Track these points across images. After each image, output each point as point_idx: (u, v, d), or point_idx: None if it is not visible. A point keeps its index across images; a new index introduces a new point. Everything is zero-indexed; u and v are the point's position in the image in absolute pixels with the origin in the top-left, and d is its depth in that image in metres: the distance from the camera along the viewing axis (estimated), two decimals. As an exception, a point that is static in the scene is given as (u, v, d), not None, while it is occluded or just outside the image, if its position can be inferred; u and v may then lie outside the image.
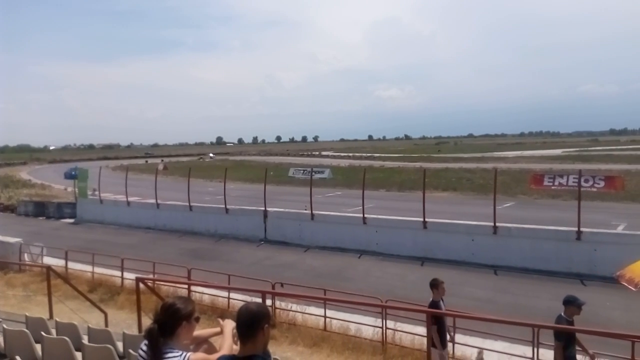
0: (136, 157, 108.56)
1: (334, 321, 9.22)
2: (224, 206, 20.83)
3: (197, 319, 2.70)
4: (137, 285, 7.50)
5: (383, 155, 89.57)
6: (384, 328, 8.30)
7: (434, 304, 6.31)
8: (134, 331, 6.72)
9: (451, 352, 7.74)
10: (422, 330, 6.92)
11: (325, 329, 9.06)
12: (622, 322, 9.59)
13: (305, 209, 18.86)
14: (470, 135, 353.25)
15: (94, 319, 8.63)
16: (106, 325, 8.32)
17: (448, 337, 6.77)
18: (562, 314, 5.51)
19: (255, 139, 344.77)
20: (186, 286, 10.97)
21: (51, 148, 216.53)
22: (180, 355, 2.51)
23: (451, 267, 14.15)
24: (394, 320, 8.50)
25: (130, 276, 11.97)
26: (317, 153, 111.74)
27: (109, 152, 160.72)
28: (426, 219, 15.80)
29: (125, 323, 8.86)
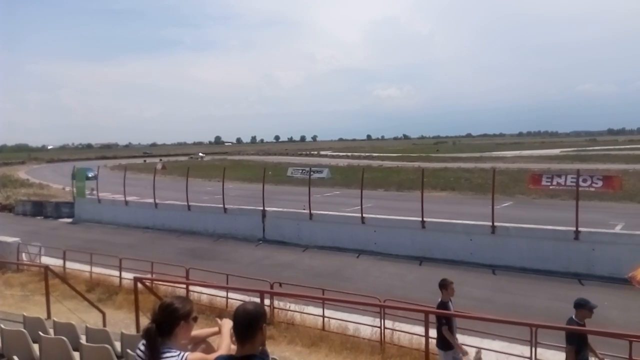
0: (134, 157, 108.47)
1: (333, 321, 9.22)
2: (222, 206, 20.80)
3: (195, 319, 2.69)
4: (135, 285, 7.50)
5: (381, 154, 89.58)
6: (383, 328, 8.30)
7: (443, 305, 6.19)
8: (132, 331, 6.72)
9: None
10: (420, 330, 6.91)
11: (323, 328, 9.06)
12: (620, 321, 9.60)
13: (304, 209, 18.85)
14: (469, 135, 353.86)
15: (92, 319, 8.61)
16: (104, 325, 8.31)
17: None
18: (574, 317, 5.41)
19: (253, 138, 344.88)
20: (184, 286, 10.97)
21: (49, 147, 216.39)
22: (178, 355, 2.50)
23: (449, 267, 14.15)
24: (392, 320, 8.50)
25: (128, 276, 11.97)
26: (316, 153, 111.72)
27: (107, 151, 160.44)
28: (424, 219, 15.81)
29: (123, 323, 8.86)
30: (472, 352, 7.50)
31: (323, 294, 9.55)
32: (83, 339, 5.60)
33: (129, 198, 24.82)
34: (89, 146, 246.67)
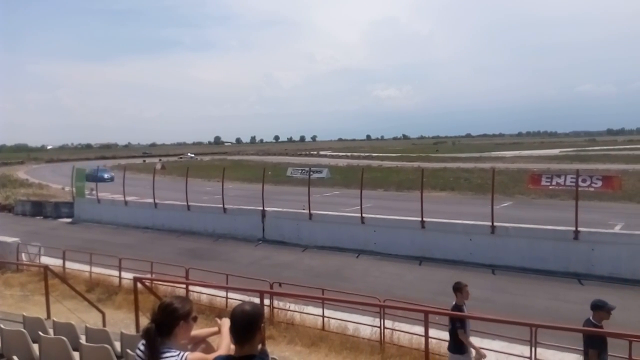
0: (134, 157, 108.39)
1: (332, 321, 9.22)
2: (222, 206, 20.79)
3: (195, 319, 2.69)
4: (135, 285, 7.49)
5: (381, 154, 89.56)
6: (382, 328, 8.30)
7: (457, 308, 6.03)
8: (131, 331, 6.71)
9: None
10: (420, 329, 6.91)
11: (323, 328, 9.06)
12: (620, 321, 9.57)
13: (304, 209, 18.84)
14: (468, 135, 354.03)
15: (92, 319, 8.61)
16: (104, 325, 8.31)
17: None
18: (591, 318, 5.28)
19: (253, 138, 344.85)
20: (184, 286, 10.97)
21: (48, 147, 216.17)
22: (178, 355, 2.50)
23: (449, 267, 14.17)
24: (392, 319, 8.49)
25: (128, 276, 11.97)
26: (315, 153, 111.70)
27: (106, 151, 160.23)
28: (424, 219, 15.81)
29: (123, 323, 8.85)
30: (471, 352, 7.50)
31: (323, 294, 9.54)
32: (83, 339, 5.60)
33: (128, 198, 24.79)
34: (88, 146, 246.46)
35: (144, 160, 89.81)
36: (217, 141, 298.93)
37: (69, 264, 14.24)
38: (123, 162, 78.92)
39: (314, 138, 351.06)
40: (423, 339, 6.54)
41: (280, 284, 10.60)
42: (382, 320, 8.28)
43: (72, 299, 9.96)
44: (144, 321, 5.86)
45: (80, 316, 8.79)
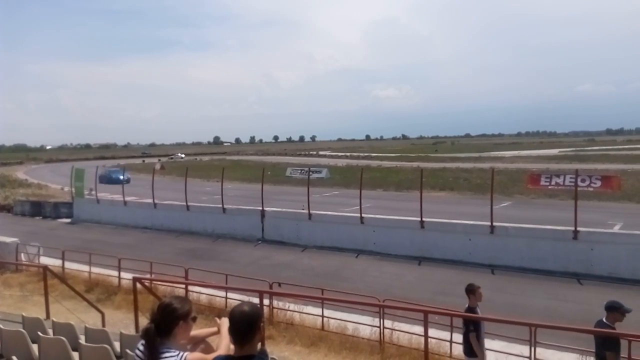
0: (133, 157, 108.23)
1: (332, 321, 9.22)
2: (221, 206, 20.79)
3: (194, 319, 2.69)
4: (134, 285, 7.48)
5: (380, 155, 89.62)
6: (382, 327, 8.30)
7: (471, 311, 5.93)
8: (131, 331, 6.71)
9: (449, 351, 7.75)
10: (419, 329, 6.91)
11: (322, 328, 9.06)
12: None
13: (303, 209, 18.84)
14: (468, 135, 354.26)
15: (91, 319, 8.60)
16: (103, 325, 8.30)
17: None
18: (604, 319, 5.15)
19: (252, 138, 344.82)
20: (183, 286, 10.96)
21: (48, 147, 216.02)
22: (178, 355, 2.50)
23: (448, 267, 14.18)
24: (391, 319, 8.49)
25: (127, 276, 11.96)
26: (315, 153, 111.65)
27: (105, 151, 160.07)
28: (423, 219, 15.81)
29: (122, 323, 8.84)
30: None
31: (322, 294, 9.54)
32: (82, 339, 5.59)
33: (127, 198, 24.78)
34: (87, 146, 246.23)
35: (143, 161, 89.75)
36: (217, 141, 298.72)
37: (68, 264, 14.23)
38: (122, 162, 78.84)
39: (313, 138, 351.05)
40: (422, 338, 6.54)
41: (279, 284, 10.60)
42: (381, 320, 8.28)
43: (71, 299, 9.95)
44: (144, 321, 5.87)
45: (79, 316, 8.78)
